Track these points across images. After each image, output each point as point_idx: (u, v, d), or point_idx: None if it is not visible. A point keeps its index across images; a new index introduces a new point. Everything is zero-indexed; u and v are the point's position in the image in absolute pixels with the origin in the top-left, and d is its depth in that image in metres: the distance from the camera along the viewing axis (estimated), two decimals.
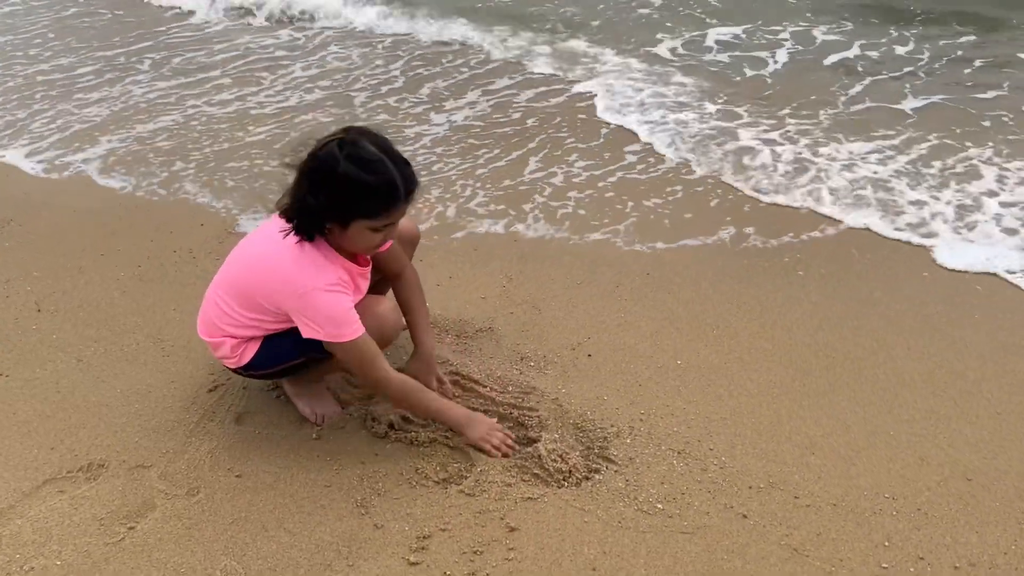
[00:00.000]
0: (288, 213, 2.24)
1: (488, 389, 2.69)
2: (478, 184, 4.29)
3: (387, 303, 2.51)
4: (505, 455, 2.42)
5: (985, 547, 2.17)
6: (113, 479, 2.41)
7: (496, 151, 4.68)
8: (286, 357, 2.44)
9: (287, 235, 2.23)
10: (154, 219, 3.93)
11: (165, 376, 2.84)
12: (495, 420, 2.52)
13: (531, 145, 4.74)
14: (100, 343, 3.02)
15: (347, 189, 2.13)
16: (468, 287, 3.37)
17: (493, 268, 3.52)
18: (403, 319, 2.60)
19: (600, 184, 4.27)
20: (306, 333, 2.27)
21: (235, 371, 2.54)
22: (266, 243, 2.33)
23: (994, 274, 3.42)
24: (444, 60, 6.17)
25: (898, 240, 3.70)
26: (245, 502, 2.33)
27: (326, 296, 2.23)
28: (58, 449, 2.53)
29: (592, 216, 3.95)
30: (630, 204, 4.05)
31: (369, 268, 2.47)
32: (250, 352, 2.44)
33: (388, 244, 2.48)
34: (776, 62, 5.89)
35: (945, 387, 2.77)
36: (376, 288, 2.70)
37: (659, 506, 2.29)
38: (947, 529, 2.22)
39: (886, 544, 2.18)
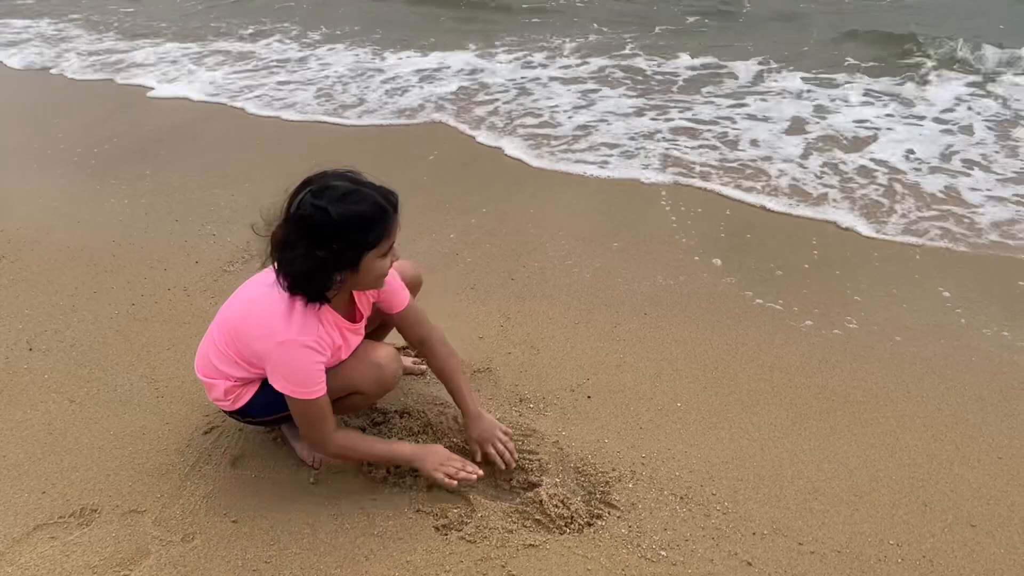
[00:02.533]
0: (292, 281, 2.14)
1: None
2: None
3: (386, 349, 2.46)
4: (466, 480, 2.37)
5: None
6: (106, 525, 2.36)
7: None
8: (284, 407, 2.40)
9: (290, 296, 2.17)
10: (147, 256, 3.90)
11: (159, 418, 2.79)
12: (447, 448, 2.47)
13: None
14: (93, 384, 2.97)
15: (350, 228, 2.08)
16: (466, 326, 3.35)
17: (491, 307, 3.50)
18: (402, 367, 2.54)
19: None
20: (272, 381, 2.24)
21: (229, 415, 2.50)
22: (262, 287, 2.27)
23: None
24: None
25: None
26: (241, 549, 2.28)
27: (301, 352, 2.18)
28: (49, 493, 2.47)
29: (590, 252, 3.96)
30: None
31: (362, 324, 2.43)
32: (245, 397, 2.39)
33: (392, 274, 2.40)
34: None
35: (945, 431, 2.77)
36: (375, 335, 2.69)
37: (663, 553, 2.26)
38: None
39: None
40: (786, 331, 3.35)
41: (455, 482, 2.36)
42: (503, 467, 2.50)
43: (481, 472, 2.41)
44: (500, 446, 2.51)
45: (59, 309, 3.44)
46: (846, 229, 4.25)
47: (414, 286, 2.73)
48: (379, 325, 2.72)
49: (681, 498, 2.46)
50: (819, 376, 3.05)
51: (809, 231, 4.24)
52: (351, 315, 2.37)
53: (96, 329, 3.31)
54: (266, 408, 2.40)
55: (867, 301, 3.58)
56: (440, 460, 2.41)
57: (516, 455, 2.52)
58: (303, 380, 2.21)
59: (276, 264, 2.16)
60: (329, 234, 2.07)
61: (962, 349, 3.24)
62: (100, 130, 5.73)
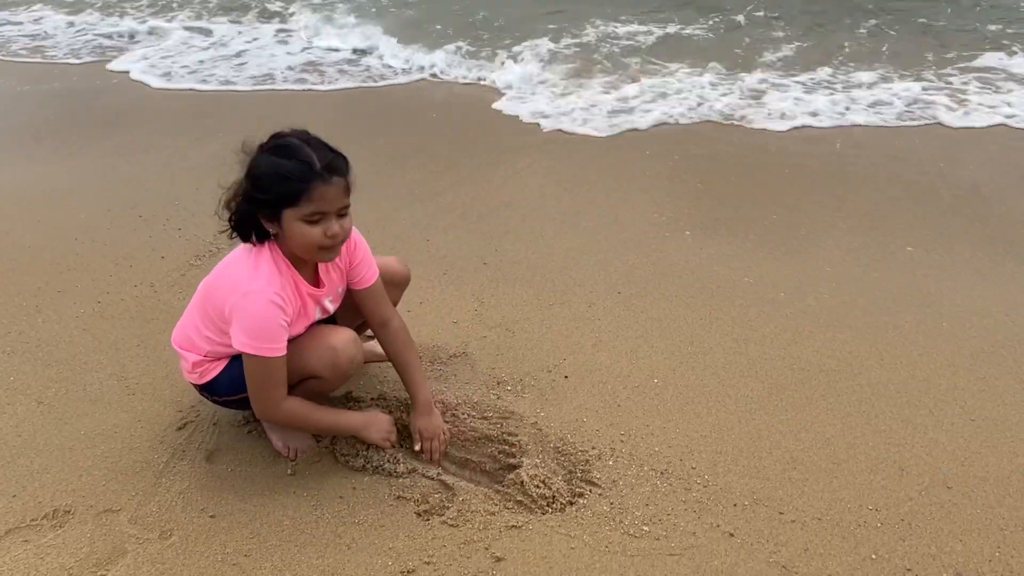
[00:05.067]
0: (230, 221, 2.26)
1: (466, 416, 2.65)
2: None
3: (345, 334, 2.40)
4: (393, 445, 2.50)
5: (970, 555, 2.18)
6: (80, 525, 2.31)
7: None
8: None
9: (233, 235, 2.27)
10: (112, 253, 3.82)
11: (131, 415, 2.74)
12: (389, 416, 2.56)
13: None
14: (61, 384, 2.91)
15: (265, 178, 2.13)
16: (439, 312, 3.33)
17: (464, 292, 3.48)
18: (362, 353, 2.48)
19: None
20: (235, 341, 2.21)
21: (199, 391, 2.49)
22: (232, 254, 2.34)
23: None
24: None
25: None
26: (220, 543, 2.25)
27: (264, 305, 2.18)
28: (20, 496, 2.42)
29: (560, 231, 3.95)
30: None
31: (325, 293, 2.39)
32: (213, 372, 2.38)
33: (344, 248, 2.35)
34: None
35: (919, 396, 2.80)
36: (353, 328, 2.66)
37: (645, 528, 2.27)
38: (932, 539, 2.23)
39: (873, 557, 2.17)
40: (759, 304, 3.36)
41: (388, 444, 2.49)
42: (427, 460, 2.50)
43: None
44: (436, 444, 2.49)
45: (23, 310, 3.37)
46: (809, 199, 4.29)
47: (400, 284, 2.75)
48: (361, 323, 2.69)
49: (661, 473, 2.46)
50: (793, 347, 3.07)
51: (778, 198, 4.27)
52: (314, 280, 2.37)
53: (62, 329, 3.24)
54: (231, 386, 2.38)
55: (837, 271, 3.61)
56: (385, 430, 2.49)
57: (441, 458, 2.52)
58: (263, 334, 2.19)
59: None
60: (248, 180, 2.17)
61: (933, 316, 3.27)
62: (55, 123, 5.61)
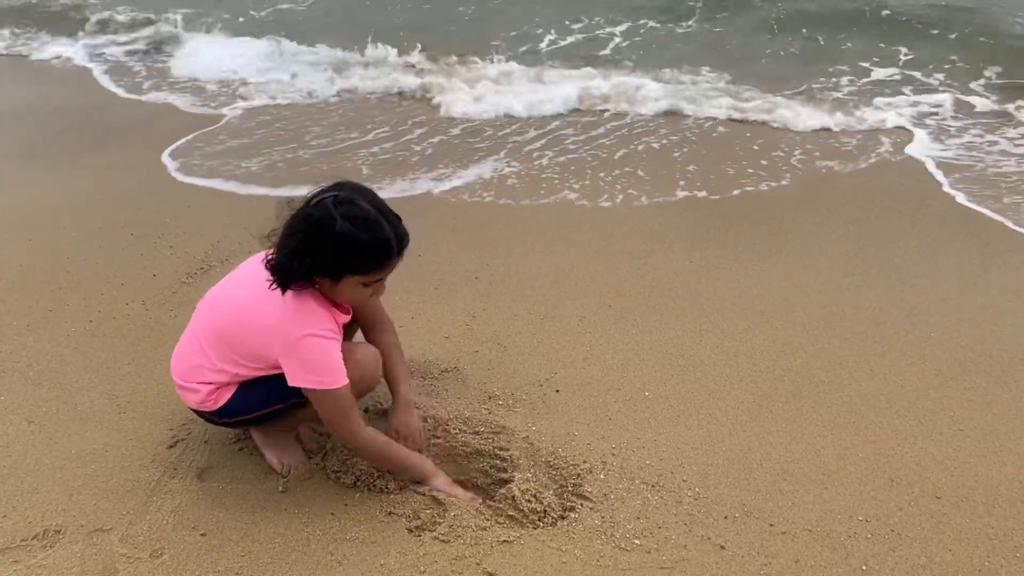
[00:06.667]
0: (275, 266, 2.19)
1: (457, 431, 2.65)
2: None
3: (368, 349, 2.49)
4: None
5: (960, 565, 2.20)
6: (71, 545, 2.30)
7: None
8: (264, 404, 2.39)
9: (272, 286, 2.20)
10: (103, 272, 3.82)
11: (122, 434, 2.74)
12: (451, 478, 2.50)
13: None
14: (52, 403, 2.91)
15: (342, 247, 2.13)
16: (431, 327, 3.34)
17: (456, 307, 3.49)
18: (381, 369, 2.53)
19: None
20: (292, 380, 2.24)
21: (207, 417, 2.47)
22: (254, 290, 2.27)
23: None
24: None
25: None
26: (212, 561, 2.24)
27: (318, 342, 2.21)
28: (11, 517, 2.41)
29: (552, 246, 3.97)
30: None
31: (349, 317, 2.44)
32: (226, 396, 2.38)
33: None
34: None
35: (908, 407, 2.81)
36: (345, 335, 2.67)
37: (636, 542, 2.27)
38: (922, 549, 2.24)
39: (864, 568, 2.18)
40: (749, 316, 3.38)
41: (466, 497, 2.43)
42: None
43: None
44: (411, 443, 2.51)
45: (13, 329, 3.36)
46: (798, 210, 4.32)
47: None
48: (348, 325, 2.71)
49: (652, 486, 2.47)
50: (783, 359, 3.09)
51: (764, 208, 4.30)
52: (337, 306, 2.39)
53: (53, 348, 3.23)
54: (244, 406, 2.40)
55: (826, 282, 3.64)
56: (451, 481, 2.47)
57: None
58: (326, 370, 2.23)
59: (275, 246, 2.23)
60: (324, 242, 2.13)
61: (921, 326, 3.29)
62: (45, 139, 5.61)
